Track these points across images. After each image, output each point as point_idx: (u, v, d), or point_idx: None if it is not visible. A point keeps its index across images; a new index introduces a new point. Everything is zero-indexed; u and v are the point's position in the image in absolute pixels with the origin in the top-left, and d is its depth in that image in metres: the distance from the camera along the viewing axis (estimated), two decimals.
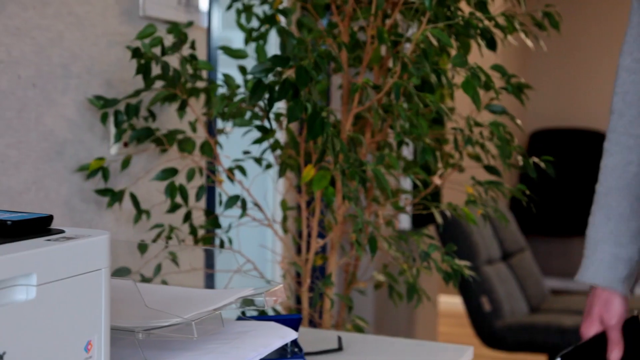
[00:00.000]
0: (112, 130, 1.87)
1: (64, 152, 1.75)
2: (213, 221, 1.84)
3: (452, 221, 3.46)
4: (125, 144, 1.91)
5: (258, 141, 1.71)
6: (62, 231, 0.93)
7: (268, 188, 2.71)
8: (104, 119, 1.78)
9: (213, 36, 2.35)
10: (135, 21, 1.95)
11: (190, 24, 1.91)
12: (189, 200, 1.90)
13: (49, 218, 0.94)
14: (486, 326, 3.30)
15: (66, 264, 0.86)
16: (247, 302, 1.18)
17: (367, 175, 1.57)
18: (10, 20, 1.58)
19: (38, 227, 0.92)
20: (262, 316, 1.36)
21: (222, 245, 1.82)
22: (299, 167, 1.92)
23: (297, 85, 1.51)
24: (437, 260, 1.62)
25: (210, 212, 1.89)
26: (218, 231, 2.00)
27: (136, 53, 1.71)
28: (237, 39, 2.94)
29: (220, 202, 1.86)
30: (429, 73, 1.52)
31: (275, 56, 1.53)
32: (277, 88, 1.51)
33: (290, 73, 1.51)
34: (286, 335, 1.19)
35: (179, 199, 1.93)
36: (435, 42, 1.61)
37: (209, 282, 1.87)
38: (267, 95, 1.54)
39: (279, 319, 1.33)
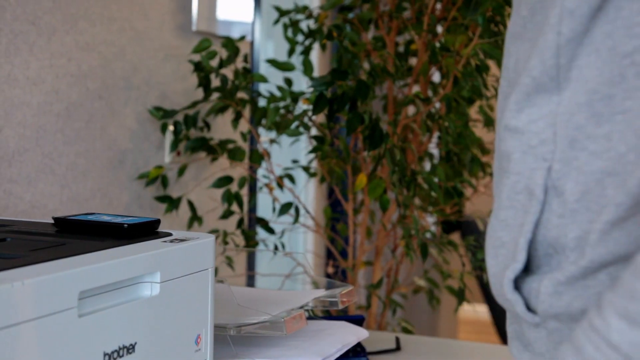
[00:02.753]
0: (168, 139, 1.95)
1: (125, 160, 1.83)
2: (266, 227, 1.91)
3: (476, 228, 3.53)
4: (178, 153, 1.99)
5: (314, 150, 1.79)
6: (169, 234, 1.01)
7: (300, 195, 2.79)
8: (163, 129, 1.86)
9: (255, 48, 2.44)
10: (189, 35, 2.03)
11: (242, 38, 1.99)
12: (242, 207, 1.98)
13: (157, 222, 1.02)
14: None
15: (183, 263, 0.94)
16: (322, 302, 1.25)
17: (419, 184, 1.65)
18: (81, 35, 1.66)
19: (148, 229, 1.00)
20: (330, 316, 1.44)
21: (276, 249, 1.90)
22: (345, 176, 2.00)
23: (354, 98, 1.58)
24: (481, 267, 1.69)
25: (261, 219, 1.97)
26: (265, 237, 2.08)
27: (197, 67, 1.79)
28: (268, 50, 3.02)
29: (274, 209, 1.93)
30: (480, 86, 1.60)
31: (334, 70, 1.60)
32: (336, 100, 1.59)
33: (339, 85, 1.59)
34: (359, 333, 1.26)
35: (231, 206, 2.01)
36: (482, 56, 1.69)
37: (263, 285, 1.95)
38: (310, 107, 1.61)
39: (344, 318, 1.41)
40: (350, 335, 1.24)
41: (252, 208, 2.32)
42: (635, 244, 0.67)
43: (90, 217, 1.01)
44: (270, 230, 1.93)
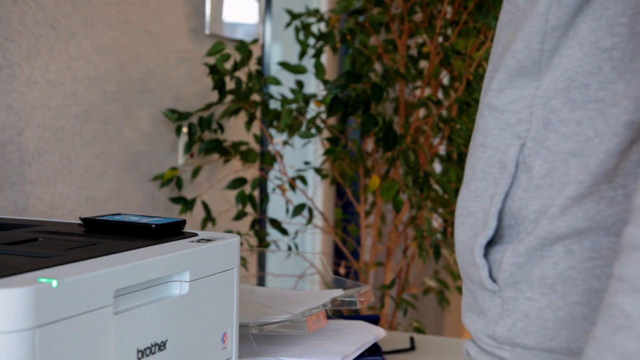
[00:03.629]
0: (181, 141, 1.97)
1: (140, 162, 1.85)
2: (279, 228, 1.93)
3: None
4: (192, 155, 2.01)
5: (328, 152, 1.81)
6: (195, 234, 1.03)
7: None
8: (178, 131, 1.88)
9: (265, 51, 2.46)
10: (201, 39, 2.05)
11: (255, 41, 2.02)
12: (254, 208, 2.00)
13: (183, 222, 1.04)
14: None
15: (211, 263, 0.96)
16: (340, 302, 1.27)
17: (432, 185, 1.67)
18: (98, 39, 1.68)
19: (175, 230, 1.02)
20: (347, 316, 1.46)
21: (289, 250, 1.92)
22: (357, 177, 2.02)
23: (368, 100, 1.60)
24: None
25: (274, 220, 1.99)
26: (277, 238, 2.10)
27: (212, 69, 1.81)
28: (275, 53, 3.04)
29: (287, 211, 1.95)
30: None
31: (348, 73, 1.62)
32: (350, 103, 1.61)
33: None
34: (377, 333, 1.28)
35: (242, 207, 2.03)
36: None
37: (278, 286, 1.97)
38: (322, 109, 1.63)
39: (361, 318, 1.42)
40: (368, 334, 1.26)
41: (264, 209, 2.34)
42: (591, 220, 0.73)
43: (117, 218, 1.03)
44: (284, 231, 1.95)
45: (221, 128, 1.99)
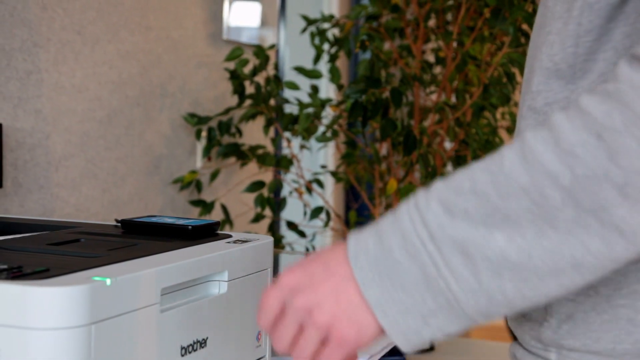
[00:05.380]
0: (200, 145, 2.00)
1: (160, 165, 1.88)
2: (296, 230, 1.96)
3: None
4: (209, 158, 2.04)
5: (346, 156, 1.84)
6: (229, 235, 1.05)
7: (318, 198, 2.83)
8: (198, 134, 1.91)
9: (280, 56, 2.49)
10: (219, 44, 2.08)
11: (272, 46, 2.05)
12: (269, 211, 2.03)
13: (217, 224, 1.07)
14: None
15: (247, 263, 0.99)
16: None
17: None
18: (122, 44, 1.71)
19: (210, 231, 1.05)
20: None
21: (307, 251, 1.95)
22: (373, 180, 2.05)
23: (387, 105, 1.63)
24: None
25: (291, 222, 2.01)
26: (292, 240, 2.13)
27: (233, 74, 1.84)
28: (285, 57, 3.08)
29: (305, 213, 1.98)
30: (509, 93, 1.64)
31: (368, 78, 1.65)
32: (370, 108, 1.64)
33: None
34: None
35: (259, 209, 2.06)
36: (510, 65, 1.74)
37: None
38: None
39: None
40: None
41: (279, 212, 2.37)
42: None
43: (154, 220, 1.06)
44: (302, 234, 1.97)
45: (239, 132, 2.02)
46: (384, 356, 1.37)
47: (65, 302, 0.72)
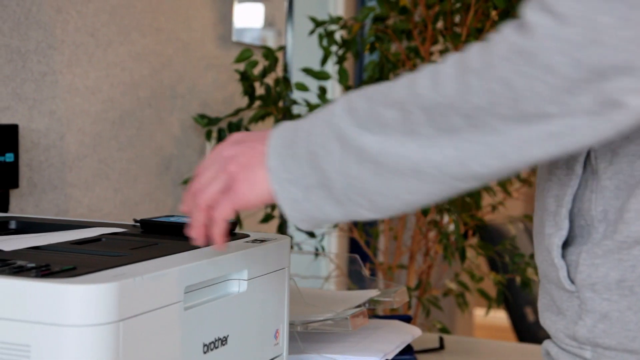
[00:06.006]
0: (209, 145, 2.01)
1: (170, 166, 1.90)
2: (306, 231, 1.97)
3: (494, 230, 3.58)
4: None
5: None
6: (247, 235, 1.07)
7: None
8: (208, 135, 1.93)
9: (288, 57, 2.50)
10: (228, 45, 2.10)
11: (281, 48, 2.06)
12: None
13: (235, 223, 1.08)
14: (531, 337, 3.42)
15: (265, 262, 1.00)
16: (377, 302, 1.31)
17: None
18: (133, 46, 1.73)
19: (229, 231, 1.06)
20: (381, 315, 1.50)
21: (317, 251, 1.96)
22: None
23: None
24: (523, 268, 1.75)
25: None
26: (300, 240, 2.14)
27: (243, 76, 1.86)
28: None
29: None
30: None
31: (376, 79, 1.67)
32: None
33: None
34: (413, 332, 1.33)
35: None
36: None
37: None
38: None
39: (395, 318, 1.47)
40: (405, 333, 1.30)
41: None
42: None
43: (172, 219, 1.07)
44: (311, 234, 1.99)
45: None
46: (395, 356, 1.38)
47: (94, 300, 0.73)
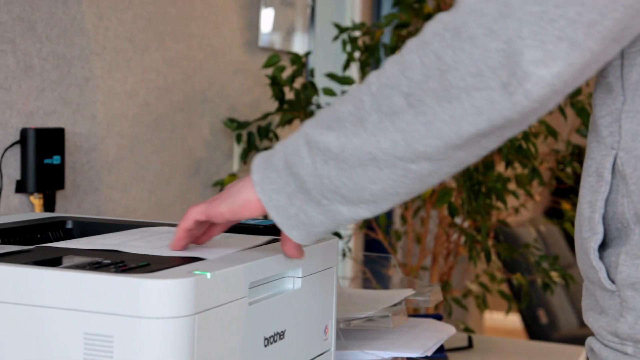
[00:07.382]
0: (236, 149, 2.06)
1: (201, 169, 1.94)
2: (335, 233, 2.02)
3: (506, 233, 3.62)
4: (245, 162, 2.09)
5: None
6: None
7: None
8: (238, 139, 1.97)
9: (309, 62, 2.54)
10: (254, 51, 2.14)
11: (308, 53, 2.10)
12: None
13: None
14: (543, 338, 3.47)
15: (317, 261, 1.05)
16: (413, 301, 1.35)
17: (483, 191, 1.75)
18: (167, 52, 1.77)
19: (277, 230, 1.10)
20: (414, 314, 1.54)
21: (344, 254, 2.00)
22: None
23: None
24: (548, 270, 1.79)
25: None
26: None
27: (273, 81, 1.90)
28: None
29: None
30: None
31: None
32: None
33: None
34: (448, 330, 1.37)
35: None
36: None
37: None
38: None
39: (427, 316, 1.51)
40: (441, 331, 1.34)
41: None
42: None
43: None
44: (339, 235, 2.03)
45: (276, 137, 2.08)
46: (428, 357, 1.43)
47: (173, 294, 0.77)
